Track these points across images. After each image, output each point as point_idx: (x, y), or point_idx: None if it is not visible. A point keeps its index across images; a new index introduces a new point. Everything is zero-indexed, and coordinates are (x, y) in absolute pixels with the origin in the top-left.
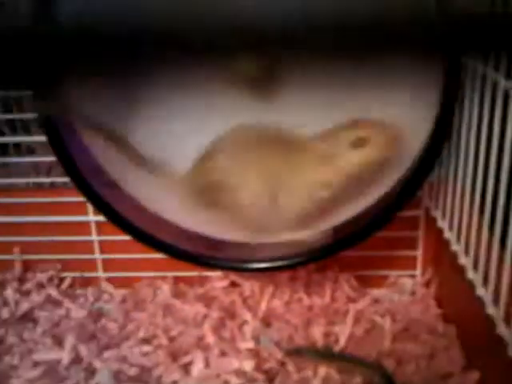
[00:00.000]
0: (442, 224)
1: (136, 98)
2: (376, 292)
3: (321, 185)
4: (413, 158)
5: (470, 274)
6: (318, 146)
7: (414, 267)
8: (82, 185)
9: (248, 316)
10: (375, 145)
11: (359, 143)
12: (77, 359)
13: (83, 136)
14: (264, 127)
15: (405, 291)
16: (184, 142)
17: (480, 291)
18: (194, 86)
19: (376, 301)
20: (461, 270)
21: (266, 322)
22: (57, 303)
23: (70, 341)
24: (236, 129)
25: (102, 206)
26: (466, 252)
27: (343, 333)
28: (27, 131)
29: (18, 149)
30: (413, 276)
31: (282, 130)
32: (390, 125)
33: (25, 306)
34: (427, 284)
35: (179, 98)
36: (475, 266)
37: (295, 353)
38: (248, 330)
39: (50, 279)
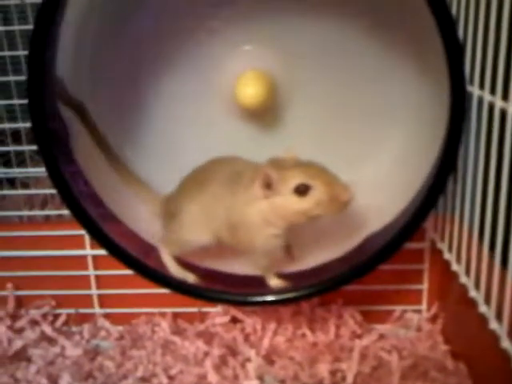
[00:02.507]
0: (449, 257)
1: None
2: (381, 327)
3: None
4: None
5: (482, 308)
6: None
7: (419, 301)
8: (83, 217)
9: (251, 353)
10: (316, 197)
11: (303, 191)
12: None
13: (83, 168)
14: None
15: (411, 326)
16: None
17: (493, 325)
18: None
19: (382, 336)
20: (470, 304)
21: (270, 359)
22: (51, 341)
23: (65, 380)
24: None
25: (102, 240)
26: (477, 285)
27: (350, 370)
28: (23, 165)
29: (12, 182)
30: (418, 311)
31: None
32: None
33: (18, 344)
34: (433, 319)
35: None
36: (487, 300)
37: None
38: (251, 367)
39: (44, 316)
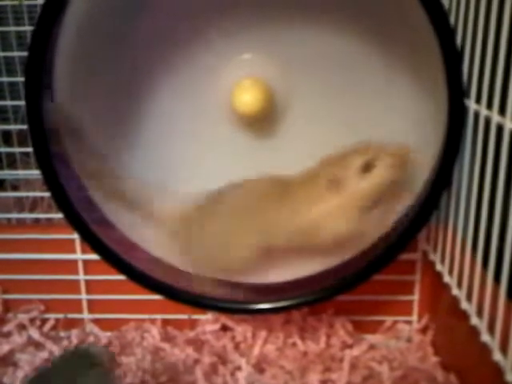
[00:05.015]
0: (441, 268)
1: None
2: (372, 338)
3: (334, 210)
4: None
5: (474, 320)
6: (322, 174)
7: (410, 312)
8: (76, 221)
9: (241, 361)
10: (383, 167)
11: (368, 167)
12: None
13: (78, 171)
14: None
15: (401, 337)
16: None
17: (485, 337)
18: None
19: (372, 347)
20: (461, 316)
21: (260, 367)
22: (39, 346)
23: None
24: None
25: (95, 244)
26: (469, 297)
27: (340, 380)
28: (13, 166)
29: (2, 184)
30: (409, 322)
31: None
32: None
33: (5, 348)
34: (424, 330)
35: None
36: (479, 312)
37: None
38: (241, 376)
39: (32, 320)
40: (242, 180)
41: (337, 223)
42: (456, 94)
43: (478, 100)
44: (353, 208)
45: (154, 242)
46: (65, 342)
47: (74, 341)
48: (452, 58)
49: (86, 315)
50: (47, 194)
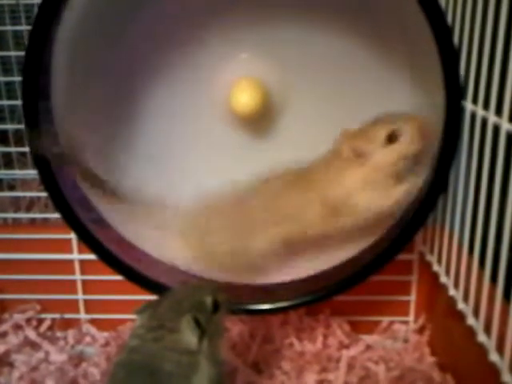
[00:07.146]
0: (438, 269)
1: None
2: (368, 338)
3: (362, 183)
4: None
5: (471, 321)
6: (345, 148)
7: (406, 313)
8: (73, 221)
9: (238, 362)
10: (408, 137)
11: (392, 138)
12: None
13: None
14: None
15: (398, 338)
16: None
17: (482, 338)
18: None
19: (369, 347)
20: (458, 316)
21: (257, 368)
22: (35, 346)
23: None
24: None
25: (92, 244)
26: (465, 297)
27: (337, 380)
28: (9, 166)
29: None
30: (406, 322)
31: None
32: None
33: (1, 348)
34: (421, 330)
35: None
36: (476, 312)
37: None
38: (239, 377)
39: (28, 320)
40: (257, 180)
41: (370, 196)
42: (453, 94)
43: (475, 100)
44: (381, 180)
45: (158, 242)
46: (61, 343)
47: (71, 341)
48: (449, 58)
49: (82, 315)
50: (44, 194)
